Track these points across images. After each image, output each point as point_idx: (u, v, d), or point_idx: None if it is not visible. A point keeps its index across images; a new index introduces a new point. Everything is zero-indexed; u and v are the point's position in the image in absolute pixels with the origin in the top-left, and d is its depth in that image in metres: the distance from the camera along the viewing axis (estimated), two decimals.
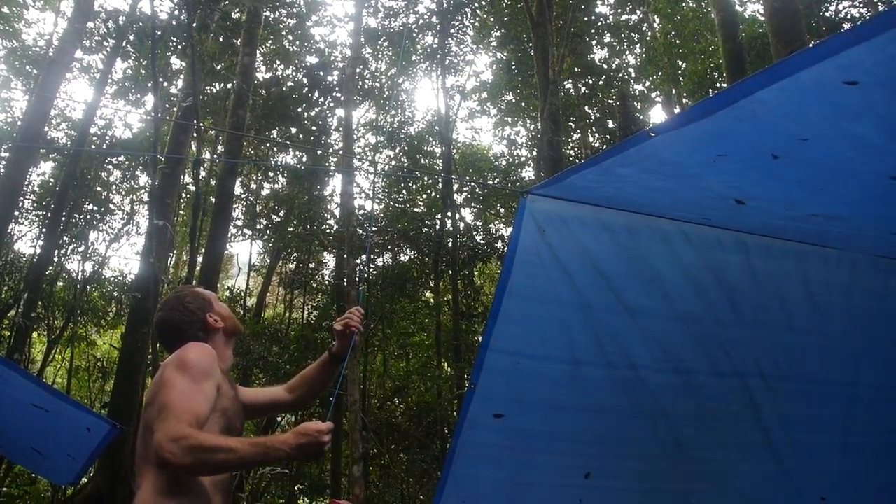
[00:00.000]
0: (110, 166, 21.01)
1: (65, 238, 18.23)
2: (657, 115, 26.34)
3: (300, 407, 3.72)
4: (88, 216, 19.37)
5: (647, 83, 24.55)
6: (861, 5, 20.73)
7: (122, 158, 20.93)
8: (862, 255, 4.11)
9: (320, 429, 2.39)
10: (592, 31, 23.14)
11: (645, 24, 24.94)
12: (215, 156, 20.19)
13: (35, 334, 18.85)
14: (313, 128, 22.28)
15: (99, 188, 20.21)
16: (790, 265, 4.01)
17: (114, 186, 21.78)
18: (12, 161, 14.32)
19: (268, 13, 20.00)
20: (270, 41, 22.69)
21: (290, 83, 22.65)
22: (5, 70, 23.00)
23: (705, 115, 2.40)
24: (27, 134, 14.46)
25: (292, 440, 2.36)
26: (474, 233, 21.04)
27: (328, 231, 20.10)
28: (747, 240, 3.88)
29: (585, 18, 22.05)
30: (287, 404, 3.42)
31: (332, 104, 22.12)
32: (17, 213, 17.75)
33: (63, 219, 16.98)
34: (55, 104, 17.96)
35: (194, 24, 13.36)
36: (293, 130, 22.18)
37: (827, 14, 20.93)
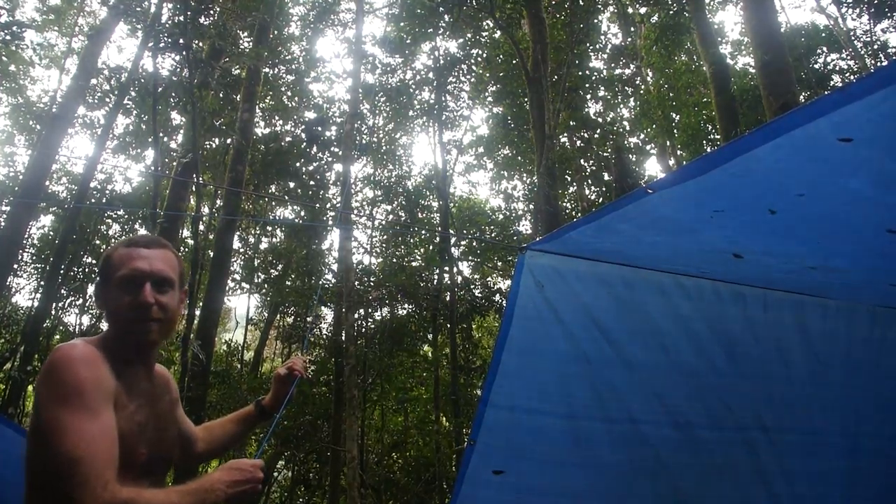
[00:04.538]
0: (109, 220, 21.10)
1: (63, 291, 18.23)
2: (652, 167, 26.65)
3: (199, 463, 3.07)
4: (87, 269, 19.41)
5: (642, 136, 24.82)
6: (849, 58, 21.13)
7: (121, 212, 21.03)
8: (860, 306, 4.13)
9: (255, 464, 2.10)
10: (587, 84, 23.46)
11: (638, 78, 25.34)
12: (214, 210, 20.27)
13: (31, 388, 18.71)
14: (311, 182, 22.43)
15: (98, 242, 20.28)
16: (788, 316, 4.03)
17: (112, 240, 21.85)
18: (13, 215, 14.42)
19: (267, 69, 20.30)
20: (270, 97, 23.00)
21: (288, 138, 22.89)
22: (9, 125, 23.33)
23: (702, 173, 2.43)
24: (29, 188, 14.59)
25: (226, 477, 2.01)
26: (472, 286, 21.02)
27: (326, 286, 20.08)
28: (745, 291, 3.90)
29: (580, 73, 22.37)
30: (195, 456, 2.74)
31: (330, 159, 22.30)
32: (15, 266, 17.80)
33: (61, 272, 17.00)
34: (56, 158, 18.12)
35: (195, 82, 13.54)
36: (291, 185, 22.33)
37: (816, 66, 21.32)
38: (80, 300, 19.58)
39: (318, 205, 21.53)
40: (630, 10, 23.64)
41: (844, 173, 2.39)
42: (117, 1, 17.06)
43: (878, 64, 20.63)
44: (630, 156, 24.82)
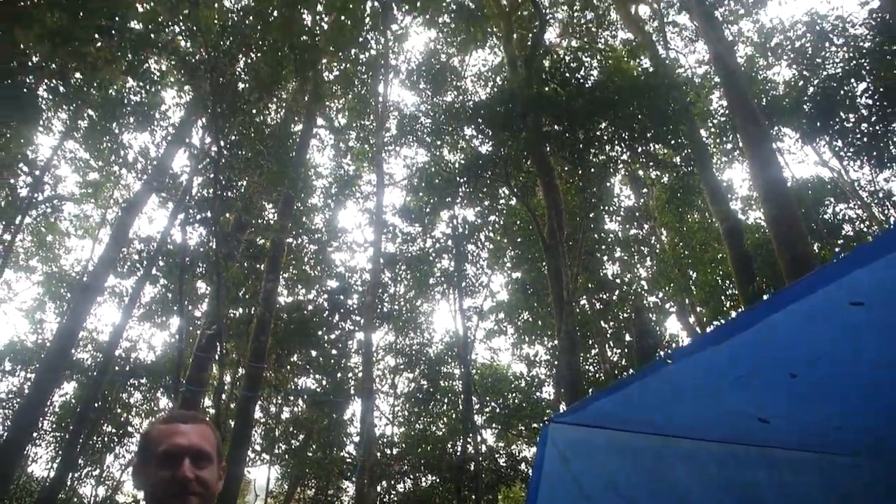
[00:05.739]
0: (131, 388, 21.15)
1: (80, 461, 18.01)
2: (672, 325, 26.54)
3: None
4: (106, 438, 19.25)
5: (661, 294, 24.89)
6: (857, 207, 21.45)
7: (143, 380, 21.12)
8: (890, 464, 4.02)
9: None
10: (603, 247, 23.80)
11: (653, 238, 25.70)
12: (237, 380, 20.26)
13: None
14: (333, 351, 22.48)
15: (119, 409, 20.23)
16: (817, 477, 3.93)
17: (134, 408, 21.79)
18: (37, 382, 14.49)
19: (291, 239, 20.88)
20: (293, 266, 23.50)
21: (311, 306, 23.15)
22: (41, 293, 23.94)
23: (720, 341, 2.46)
24: (55, 355, 14.74)
25: None
26: (496, 455, 20.50)
27: (348, 458, 19.71)
28: (774, 454, 3.82)
29: (596, 236, 22.75)
30: None
31: (352, 327, 22.45)
32: (35, 434, 17.70)
33: (80, 441, 16.85)
34: (84, 326, 18.45)
35: (221, 253, 13.93)
36: (313, 353, 22.37)
37: (826, 216, 21.64)
38: (97, 470, 19.26)
39: (339, 374, 21.48)
40: (641, 173, 24.34)
41: (859, 336, 2.41)
42: (150, 176, 17.93)
43: (886, 213, 20.96)
44: (650, 315, 24.80)
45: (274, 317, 18.01)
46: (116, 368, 20.30)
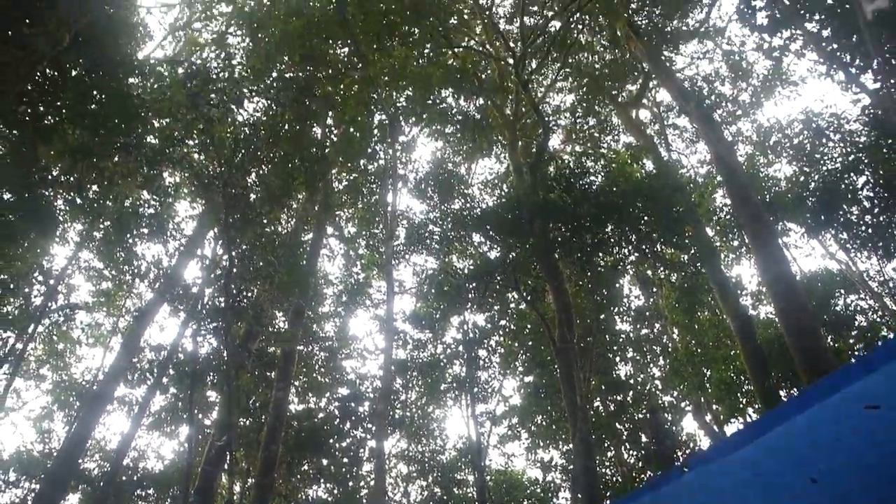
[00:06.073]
0: (139, 499, 20.76)
1: None
2: (689, 424, 26.01)
3: None
4: None
5: (675, 393, 24.55)
6: (868, 297, 21.39)
7: (151, 490, 20.75)
8: None
9: None
10: (615, 347, 23.66)
11: (665, 337, 25.54)
12: (246, 490, 19.89)
13: None
14: (345, 459, 22.15)
15: None
16: None
17: None
18: (41, 493, 14.24)
19: (301, 347, 20.87)
20: (304, 374, 23.39)
21: (322, 414, 22.93)
22: (50, 402, 23.80)
23: (738, 448, 2.47)
24: (62, 465, 14.55)
25: None
26: None
27: None
28: None
29: (607, 337, 22.65)
30: None
31: (363, 435, 22.17)
32: None
33: None
34: (92, 435, 18.27)
35: (232, 363, 13.95)
36: (325, 462, 22.02)
37: (837, 308, 21.58)
38: None
39: (351, 483, 21.07)
40: (649, 273, 24.44)
41: (876, 438, 2.43)
42: (162, 286, 18.13)
43: None
44: (665, 415, 24.41)
45: (285, 425, 17.83)
46: (124, 478, 19.99)
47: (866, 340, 20.43)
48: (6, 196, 14.13)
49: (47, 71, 12.22)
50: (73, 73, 12.91)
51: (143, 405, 18.06)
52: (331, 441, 21.67)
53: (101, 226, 18.81)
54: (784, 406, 2.34)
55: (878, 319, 21.25)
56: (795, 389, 18.29)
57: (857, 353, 20.03)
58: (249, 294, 17.00)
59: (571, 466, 20.20)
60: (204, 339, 16.46)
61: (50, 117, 13.04)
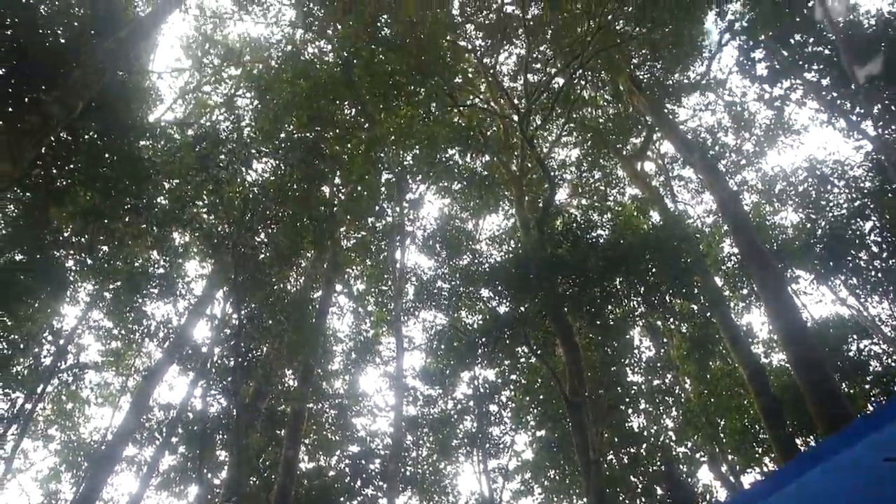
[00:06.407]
0: None
1: None
2: (704, 474, 25.66)
3: None
4: None
5: (689, 444, 24.24)
6: (881, 342, 21.25)
7: None
8: None
9: None
10: (627, 399, 23.44)
11: (677, 387, 25.32)
12: None
13: None
14: None
15: None
16: None
17: None
18: None
19: (311, 405, 20.75)
20: (313, 432, 23.21)
21: (332, 473, 22.70)
22: (58, 462, 23.64)
23: (756, 501, 2.47)
24: None
25: None
26: None
27: None
28: None
29: (619, 389, 22.47)
30: None
31: (374, 493, 21.91)
32: None
33: None
34: (100, 495, 18.10)
35: (242, 422, 13.88)
36: None
37: (850, 353, 21.43)
38: None
39: None
40: (659, 324, 24.33)
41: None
42: (172, 345, 18.15)
43: None
44: (680, 466, 24.07)
45: (295, 484, 17.65)
46: None
47: (882, 386, 20.27)
48: (18, 257, 14.29)
49: (61, 135, 12.45)
50: (86, 136, 13.15)
51: (151, 465, 17.93)
52: (342, 500, 21.42)
53: (112, 286, 18.90)
54: (803, 458, 2.34)
55: (894, 364, 21.07)
56: (812, 437, 18.11)
57: (873, 398, 19.86)
58: (259, 353, 16.99)
59: None
60: (213, 399, 16.42)
61: (62, 180, 13.25)
